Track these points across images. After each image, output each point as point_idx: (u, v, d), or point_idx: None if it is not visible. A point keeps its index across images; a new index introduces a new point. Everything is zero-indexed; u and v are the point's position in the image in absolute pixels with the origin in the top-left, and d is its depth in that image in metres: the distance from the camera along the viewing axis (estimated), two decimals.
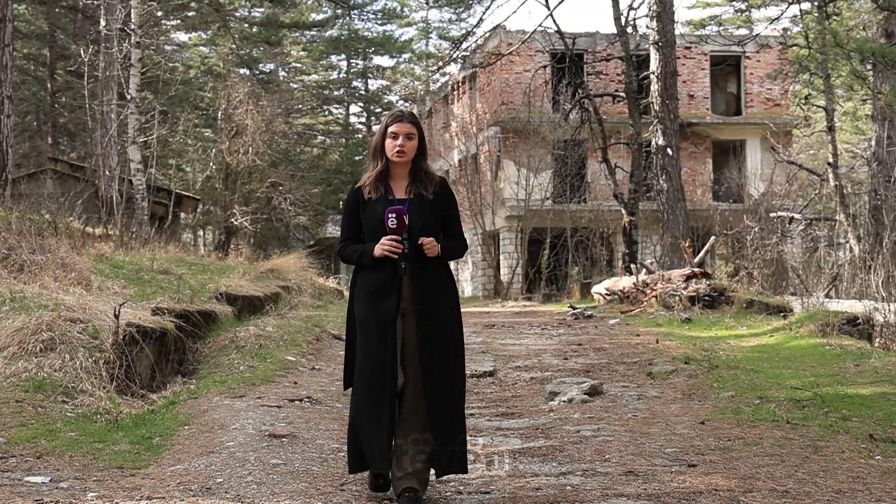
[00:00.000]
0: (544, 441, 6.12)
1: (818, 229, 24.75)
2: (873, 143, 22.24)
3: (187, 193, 27.63)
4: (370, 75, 50.87)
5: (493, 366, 9.62)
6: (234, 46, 35.71)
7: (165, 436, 6.18)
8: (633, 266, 19.04)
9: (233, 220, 30.26)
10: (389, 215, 4.53)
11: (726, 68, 32.25)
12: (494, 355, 10.51)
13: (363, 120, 51.94)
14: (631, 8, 23.55)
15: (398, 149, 4.66)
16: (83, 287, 9.79)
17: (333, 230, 39.56)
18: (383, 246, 4.56)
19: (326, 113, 51.21)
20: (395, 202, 4.67)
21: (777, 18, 23.51)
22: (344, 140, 49.76)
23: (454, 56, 27.57)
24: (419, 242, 4.58)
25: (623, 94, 23.84)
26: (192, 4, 31.93)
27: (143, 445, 5.93)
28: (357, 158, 45.17)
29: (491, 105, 30.80)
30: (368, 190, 4.71)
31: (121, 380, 7.38)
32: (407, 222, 4.57)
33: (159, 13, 27.81)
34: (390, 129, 4.70)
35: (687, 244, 17.88)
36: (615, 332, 12.97)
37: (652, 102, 21.39)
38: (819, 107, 28.29)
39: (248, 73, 39.67)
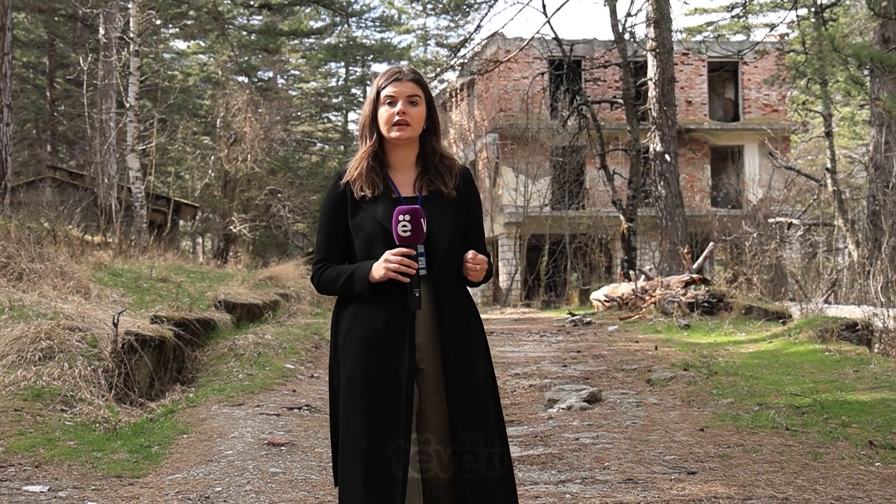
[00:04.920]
0: (543, 449, 6.12)
1: (817, 235, 24.76)
2: (871, 148, 22.26)
3: (186, 201, 27.64)
4: (369, 83, 50.92)
5: None
6: (233, 54, 35.76)
7: (164, 444, 6.17)
8: (631, 272, 19.04)
9: (231, 227, 30.25)
10: (400, 218, 3.05)
11: (724, 74, 32.30)
12: (493, 362, 10.48)
13: None
14: (629, 15, 23.59)
15: (398, 119, 3.21)
16: (82, 295, 9.79)
17: None
18: (389, 263, 3.06)
19: (325, 120, 51.20)
20: (402, 201, 3.21)
21: (775, 26, 23.57)
22: (343, 147, 49.73)
23: (452, 63, 27.57)
24: (469, 258, 3.15)
25: (621, 101, 23.86)
26: (191, 13, 31.96)
27: (142, 454, 5.92)
28: None
29: (489, 112, 30.83)
30: (359, 184, 3.23)
31: (119, 388, 7.38)
32: (425, 229, 3.11)
33: (158, 21, 27.83)
34: (385, 93, 3.26)
35: (685, 250, 17.89)
36: (614, 338, 12.97)
37: (650, 109, 21.41)
38: (817, 112, 28.31)
39: (246, 80, 39.72)
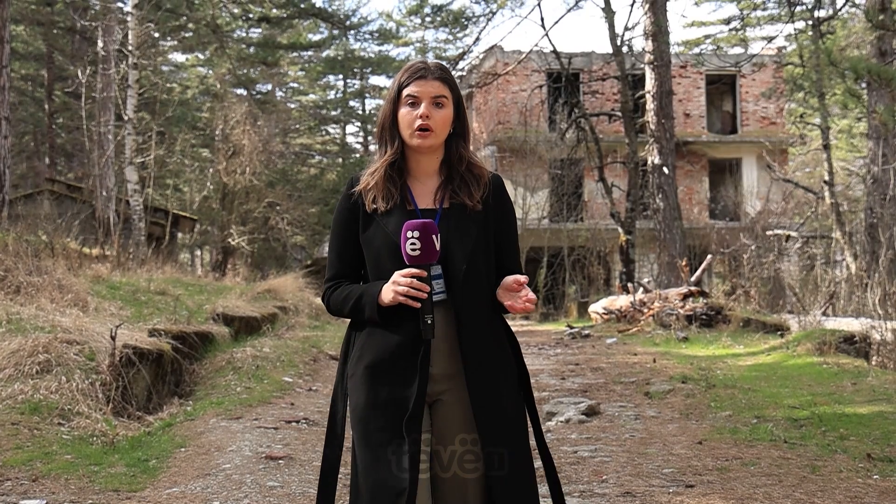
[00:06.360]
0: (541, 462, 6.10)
1: (815, 247, 24.80)
2: (869, 160, 22.31)
3: (184, 213, 27.65)
4: (367, 95, 51.03)
5: None
6: (232, 67, 35.81)
7: (162, 458, 6.16)
8: (630, 285, 19.04)
9: (230, 240, 30.25)
10: (409, 234, 2.71)
11: (722, 87, 32.38)
12: None
13: (360, 140, 52.09)
14: (626, 28, 23.67)
15: (420, 123, 2.82)
16: (80, 308, 9.78)
17: None
18: (397, 285, 2.72)
19: (324, 133, 51.28)
20: (418, 214, 2.85)
21: (773, 38, 23.68)
22: (341, 160, 49.84)
23: None
24: (517, 282, 2.75)
25: (619, 114, 23.91)
26: (190, 26, 32.03)
27: (140, 468, 5.91)
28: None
29: (487, 124, 30.88)
30: (373, 195, 2.87)
31: (117, 402, 7.37)
32: (438, 246, 2.74)
33: (156, 34, 27.90)
34: (407, 91, 2.85)
35: (684, 263, 17.89)
36: (612, 351, 12.96)
37: (648, 121, 21.44)
38: (814, 125, 28.40)
39: (245, 93, 39.77)
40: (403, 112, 2.85)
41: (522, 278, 2.76)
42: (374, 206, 2.85)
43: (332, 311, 2.96)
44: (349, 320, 2.97)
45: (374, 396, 2.77)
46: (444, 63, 3.04)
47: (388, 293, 2.74)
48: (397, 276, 2.73)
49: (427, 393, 2.79)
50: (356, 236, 2.89)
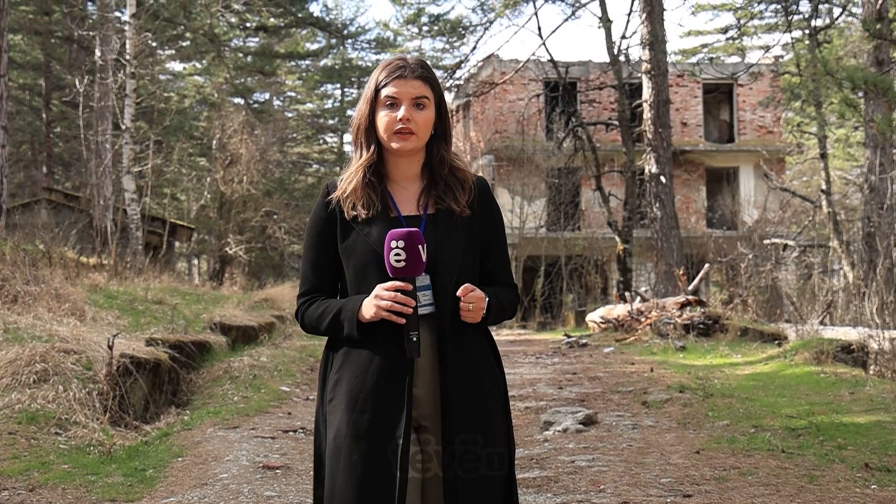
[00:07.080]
0: (539, 472, 6.10)
1: (812, 256, 24.82)
2: (866, 169, 22.35)
3: (182, 223, 27.65)
4: None
5: None
6: (229, 76, 35.85)
7: (159, 468, 6.15)
8: (627, 294, 19.04)
9: (227, 249, 30.23)
10: (393, 244, 2.50)
11: (719, 96, 32.45)
12: None
13: None
14: (623, 37, 23.74)
15: (401, 126, 2.62)
16: (77, 318, 9.77)
17: None
18: (380, 300, 2.51)
19: (321, 142, 51.34)
20: (402, 221, 2.65)
21: (770, 48, 23.71)
22: (338, 169, 49.90)
23: (447, 85, 27.66)
24: (458, 294, 2.56)
25: (616, 123, 23.97)
26: (187, 35, 32.08)
27: (137, 478, 5.90)
28: None
29: (485, 133, 30.92)
30: (352, 202, 2.66)
31: (114, 411, 7.36)
32: (425, 257, 2.54)
33: (154, 43, 27.93)
34: (385, 92, 2.65)
35: (681, 272, 17.90)
36: (610, 360, 12.96)
37: (645, 130, 21.48)
38: (811, 134, 28.47)
39: (242, 102, 39.82)
40: (382, 114, 2.64)
41: (461, 291, 2.55)
42: (354, 213, 2.64)
43: (306, 328, 2.73)
44: (327, 339, 2.75)
45: (355, 424, 2.55)
46: (424, 59, 2.80)
47: (369, 308, 2.54)
48: (380, 289, 2.52)
49: (412, 416, 2.59)
50: (334, 247, 2.68)
